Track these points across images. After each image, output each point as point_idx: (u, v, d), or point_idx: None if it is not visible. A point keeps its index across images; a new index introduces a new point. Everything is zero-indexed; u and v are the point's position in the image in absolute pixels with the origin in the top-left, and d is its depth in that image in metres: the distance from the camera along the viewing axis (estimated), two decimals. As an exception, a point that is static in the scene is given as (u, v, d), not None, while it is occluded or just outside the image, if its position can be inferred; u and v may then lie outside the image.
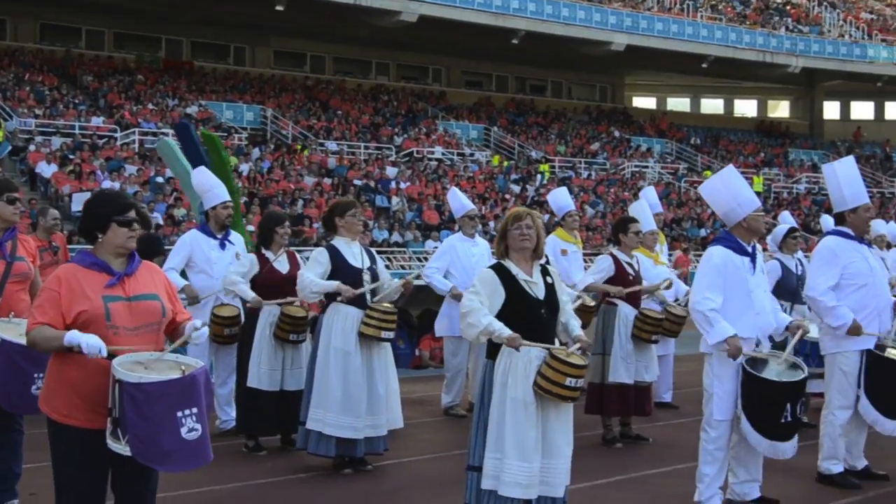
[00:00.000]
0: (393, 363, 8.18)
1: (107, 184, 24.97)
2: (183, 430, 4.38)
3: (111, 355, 4.43)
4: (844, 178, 7.68)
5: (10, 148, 26.59)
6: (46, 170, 25.49)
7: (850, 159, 7.97)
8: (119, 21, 35.44)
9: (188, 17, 34.99)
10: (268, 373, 8.42)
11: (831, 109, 53.57)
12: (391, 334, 7.90)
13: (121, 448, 4.38)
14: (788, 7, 47.79)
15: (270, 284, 8.52)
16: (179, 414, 4.37)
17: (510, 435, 5.75)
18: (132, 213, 4.69)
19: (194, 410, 4.41)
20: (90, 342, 4.37)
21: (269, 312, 8.48)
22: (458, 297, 9.82)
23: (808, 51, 43.46)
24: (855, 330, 7.36)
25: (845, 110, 54.01)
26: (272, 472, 7.93)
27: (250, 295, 8.46)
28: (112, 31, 36.22)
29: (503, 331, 5.71)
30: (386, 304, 7.93)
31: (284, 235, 8.75)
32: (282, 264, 8.64)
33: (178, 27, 36.42)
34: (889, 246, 14.15)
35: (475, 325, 5.75)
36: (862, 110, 53.83)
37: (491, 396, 5.87)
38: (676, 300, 9.99)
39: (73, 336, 4.40)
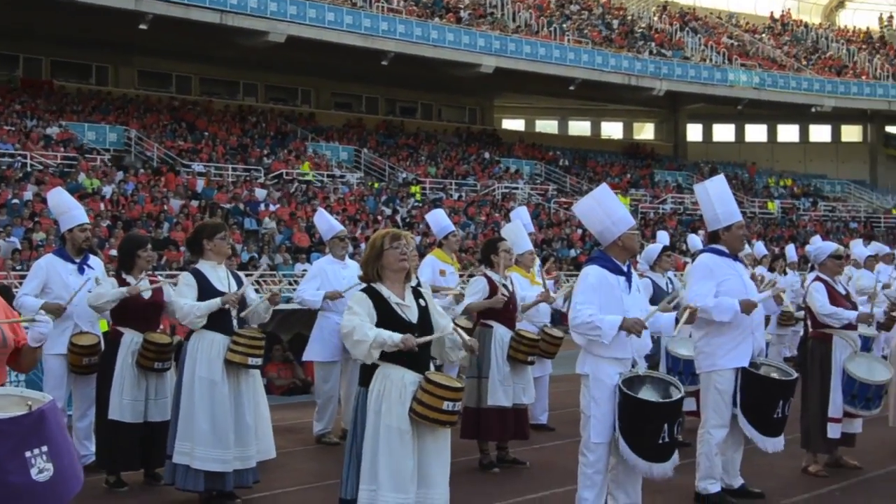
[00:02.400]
0: (262, 390, 7.91)
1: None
2: (33, 472, 4.02)
3: None
4: (717, 197, 7.70)
5: None
6: None
7: (721, 178, 7.99)
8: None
9: (47, 34, 33.92)
10: (130, 404, 8.04)
11: (694, 132, 54.84)
12: (259, 360, 7.63)
13: (-41, 493, 4.03)
14: (652, 31, 48.76)
15: (132, 310, 8.14)
16: (28, 454, 4.01)
17: (385, 465, 5.53)
18: None
19: (44, 449, 4.06)
20: None
21: (131, 340, 8.10)
22: (332, 297, 9.85)
23: (672, 74, 44.37)
24: (747, 307, 7.38)
25: (707, 132, 55.35)
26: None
27: (122, 290, 8.03)
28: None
29: (393, 336, 5.53)
30: (253, 330, 7.67)
31: (147, 259, 8.38)
32: (145, 290, 8.26)
33: (36, 45, 35.28)
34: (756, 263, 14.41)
35: (363, 339, 5.52)
36: (723, 133, 55.24)
37: (364, 425, 5.64)
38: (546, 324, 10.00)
39: None
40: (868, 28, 58.76)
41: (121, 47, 35.64)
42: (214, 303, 7.45)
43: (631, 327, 6.47)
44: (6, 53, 35.22)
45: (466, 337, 5.88)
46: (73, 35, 33.79)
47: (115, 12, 30.88)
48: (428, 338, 5.67)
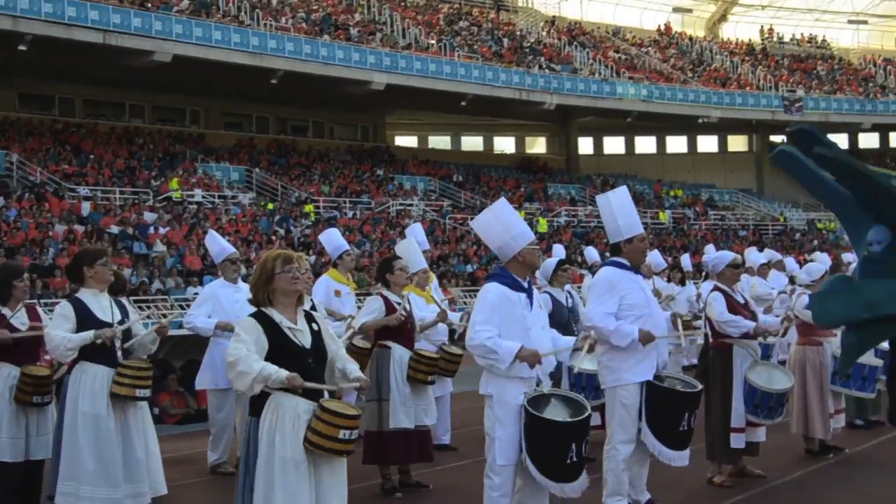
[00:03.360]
0: (151, 422, 7.58)
1: None
2: None
3: None
4: (619, 209, 7.61)
5: None
6: None
7: (623, 190, 7.89)
8: None
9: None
10: (9, 442, 7.68)
11: (585, 145, 55.46)
12: (147, 392, 7.32)
13: None
14: (541, 46, 49.17)
15: (9, 343, 7.76)
16: None
17: (280, 498, 5.32)
18: None
19: None
20: None
21: (8, 374, 7.72)
22: (225, 328, 9.46)
23: (562, 88, 44.80)
24: (646, 337, 7.30)
25: (598, 145, 56.04)
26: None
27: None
28: None
29: (280, 373, 5.30)
30: (139, 360, 7.36)
31: (23, 289, 8.01)
32: (19, 319, 7.88)
33: None
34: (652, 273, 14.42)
35: (247, 371, 5.29)
36: (613, 145, 55.96)
37: (256, 456, 5.40)
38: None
39: None
40: (750, 40, 60.19)
41: (2, 69, 34.71)
42: (87, 335, 7.11)
43: (527, 358, 6.41)
44: None
45: (359, 374, 5.71)
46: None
47: (-6, 34, 30.10)
48: (317, 385, 5.45)
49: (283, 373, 5.31)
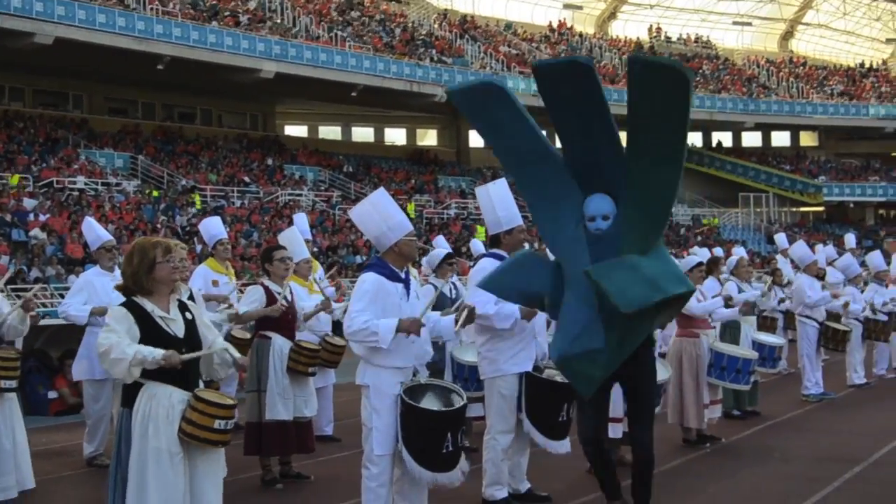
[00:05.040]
0: (20, 414, 7.40)
1: None
2: None
3: None
4: (498, 201, 7.67)
5: None
6: None
7: (503, 181, 7.93)
8: None
9: None
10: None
11: (476, 137, 55.51)
12: (13, 383, 7.17)
13: None
14: (433, 39, 49.24)
15: None
16: None
17: (154, 490, 5.25)
18: None
19: None
20: None
21: None
22: (100, 313, 9.33)
23: (453, 81, 44.80)
24: (528, 314, 7.39)
25: (489, 138, 56.24)
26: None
27: None
28: None
29: (155, 352, 5.24)
30: (7, 349, 7.20)
31: None
32: None
33: None
34: None
35: (122, 357, 5.21)
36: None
37: (129, 447, 5.32)
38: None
39: None
40: (639, 38, 61.12)
41: None
42: None
43: (408, 328, 6.39)
44: None
45: (237, 355, 5.65)
46: None
47: None
48: (193, 354, 5.41)
49: (159, 351, 5.24)
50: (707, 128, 56.40)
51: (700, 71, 57.11)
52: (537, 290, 6.68)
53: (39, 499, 7.85)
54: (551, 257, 6.88)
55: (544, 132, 6.71)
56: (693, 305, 10.28)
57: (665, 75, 5.71)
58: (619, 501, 7.18)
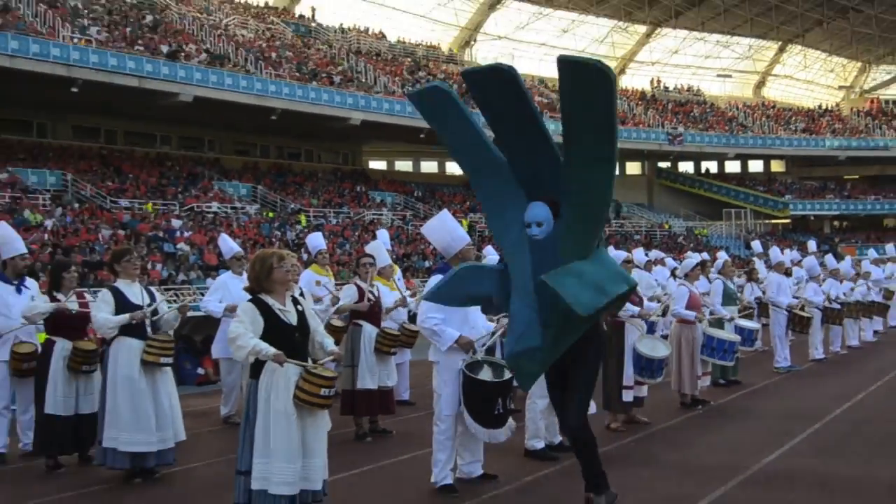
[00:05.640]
0: (174, 383, 7.54)
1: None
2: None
3: None
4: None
5: None
6: None
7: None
8: (-67, 102, 32.42)
9: (-5, 98, 32.39)
10: (63, 400, 7.67)
11: (516, 168, 55.49)
12: (170, 360, 7.31)
13: None
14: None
15: (62, 322, 7.73)
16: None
17: (276, 442, 5.33)
18: None
19: None
20: None
21: (62, 347, 7.70)
22: (232, 310, 9.28)
23: (498, 124, 44.84)
24: (465, 345, 7.19)
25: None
26: (72, 486, 7.16)
27: (51, 305, 7.68)
28: (-74, 111, 33.08)
29: (268, 349, 5.33)
30: (164, 335, 7.33)
31: (72, 279, 7.95)
32: (72, 304, 7.83)
33: (-14, 106, 33.66)
34: None
35: (244, 346, 5.32)
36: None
37: (256, 410, 5.42)
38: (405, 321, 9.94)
39: None
40: (642, 88, 60.60)
41: (57, 106, 34.19)
42: (124, 318, 7.12)
43: (463, 346, 6.52)
44: (-40, 114, 33.48)
45: (335, 350, 5.75)
46: (15, 96, 32.29)
47: (51, 78, 29.64)
48: (295, 362, 5.46)
49: (272, 350, 5.34)
50: (697, 158, 55.88)
51: (691, 114, 56.56)
52: (484, 294, 5.75)
53: (189, 447, 7.97)
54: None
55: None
56: (681, 312, 10.29)
57: (589, 73, 4.78)
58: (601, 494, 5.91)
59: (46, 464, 7.73)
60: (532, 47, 60.17)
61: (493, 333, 7.06)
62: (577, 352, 5.60)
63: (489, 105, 5.28)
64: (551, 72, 59.05)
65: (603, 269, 5.22)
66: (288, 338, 5.50)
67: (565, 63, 4.79)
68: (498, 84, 5.13)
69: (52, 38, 30.39)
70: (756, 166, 59.66)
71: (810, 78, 67.09)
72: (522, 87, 5.16)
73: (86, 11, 35.15)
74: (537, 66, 59.72)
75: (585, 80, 4.77)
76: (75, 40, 31.03)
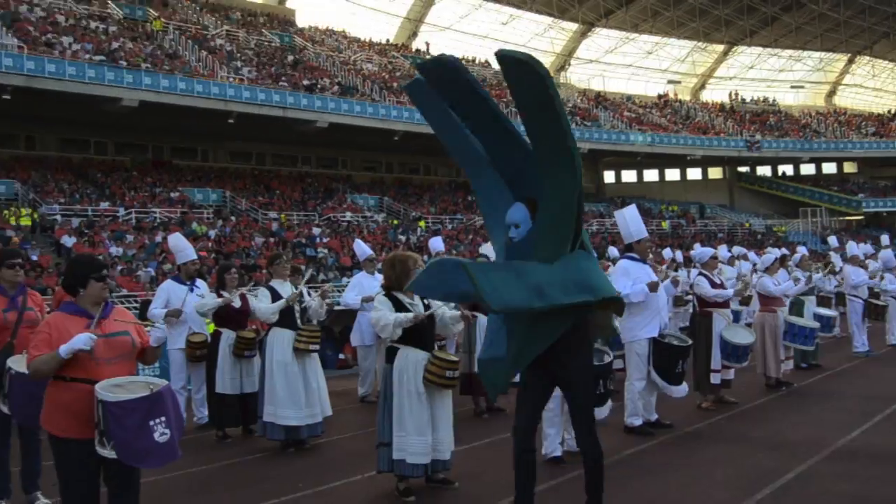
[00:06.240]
0: (320, 367, 7.70)
1: (112, 250, 23.85)
2: (155, 435, 3.83)
3: (93, 381, 3.88)
4: (630, 219, 7.55)
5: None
6: (68, 241, 24.21)
7: (633, 207, 7.82)
8: (118, 134, 34.07)
9: (167, 129, 33.84)
10: (230, 381, 7.93)
11: (609, 176, 54.71)
12: (317, 346, 7.46)
13: (107, 452, 3.83)
14: (576, 109, 48.68)
15: (227, 315, 8.00)
16: (151, 422, 3.82)
17: (409, 417, 5.39)
18: (105, 272, 4.14)
19: (163, 419, 3.86)
20: (82, 339, 3.86)
21: (228, 336, 7.96)
22: (367, 300, 9.46)
23: (592, 138, 44.29)
24: (653, 286, 7.26)
25: (617, 176, 55.24)
26: (238, 454, 7.39)
27: (218, 301, 7.94)
28: (113, 142, 34.77)
29: (408, 315, 5.46)
30: (313, 326, 7.50)
31: (233, 279, 8.23)
32: (235, 301, 8.10)
33: (160, 137, 35.18)
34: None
35: (387, 323, 5.46)
36: (628, 176, 55.13)
37: (391, 390, 5.49)
38: None
39: (66, 346, 3.86)
40: (722, 101, 58.80)
41: (216, 135, 35.49)
42: (281, 302, 7.34)
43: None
44: (140, 143, 35.09)
45: (463, 311, 5.81)
46: (184, 128, 33.68)
47: (212, 112, 30.82)
48: (430, 311, 5.62)
49: (410, 315, 5.46)
50: (774, 162, 53.85)
51: (768, 122, 54.55)
52: (463, 290, 4.23)
53: (333, 422, 8.12)
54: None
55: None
56: (772, 289, 9.91)
57: (521, 69, 3.98)
58: None
59: (216, 435, 8.01)
60: (620, 68, 59.20)
61: None
62: (563, 366, 4.58)
63: (452, 101, 4.49)
64: (637, 89, 57.99)
65: (562, 274, 4.20)
66: (417, 325, 5.55)
67: (500, 59, 4.06)
68: (447, 78, 4.31)
69: (212, 79, 31.56)
70: (829, 168, 57.08)
71: (879, 86, 63.73)
72: (471, 82, 4.35)
73: (238, 55, 36.37)
74: (625, 84, 58.76)
75: (520, 75, 4.06)
76: (230, 79, 32.14)
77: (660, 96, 58.03)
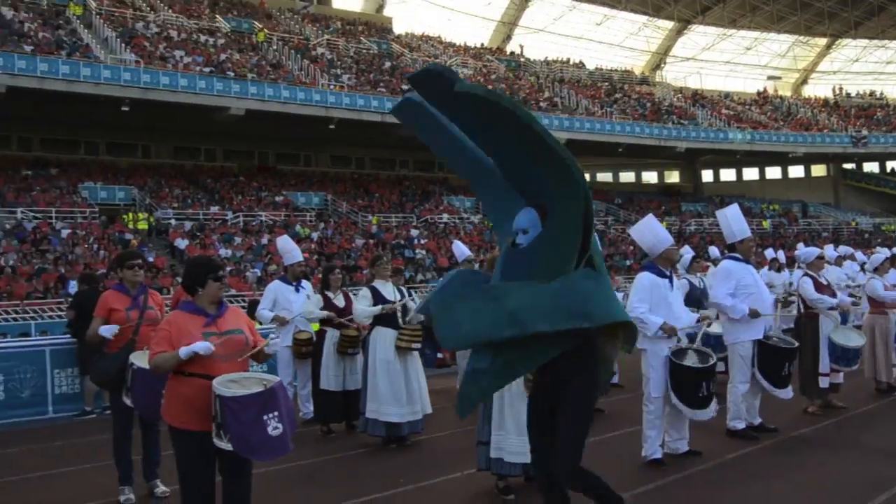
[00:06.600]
0: (421, 365, 7.77)
1: (222, 251, 24.69)
2: (269, 429, 3.97)
3: (211, 377, 4.04)
4: (732, 219, 7.33)
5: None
6: (181, 243, 25.24)
7: (735, 206, 7.58)
8: (226, 141, 35.33)
9: (271, 136, 34.87)
10: (334, 378, 8.07)
11: (707, 175, 53.32)
12: (419, 345, 7.53)
13: (224, 444, 3.98)
14: (673, 108, 47.61)
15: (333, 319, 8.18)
16: (265, 417, 3.96)
17: (510, 417, 5.37)
18: (222, 273, 4.30)
19: (276, 414, 4.00)
20: (201, 346, 4.03)
21: (332, 335, 8.12)
22: None
23: (689, 137, 43.25)
24: (754, 314, 6.99)
25: (716, 175, 53.76)
26: (341, 449, 7.52)
27: (323, 314, 8.13)
28: (222, 149, 36.09)
29: None
30: (414, 325, 7.56)
31: (337, 280, 8.39)
32: (339, 300, 8.27)
33: (265, 143, 36.33)
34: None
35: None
36: (727, 175, 53.57)
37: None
38: None
39: (186, 350, 4.03)
40: (825, 96, 56.45)
41: (318, 141, 36.36)
42: (376, 309, 7.41)
43: (667, 332, 6.25)
44: (247, 150, 36.29)
45: None
46: (287, 135, 34.62)
47: (314, 119, 31.55)
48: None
49: None
50: (882, 158, 51.26)
51: (875, 117, 51.99)
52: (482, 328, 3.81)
53: (434, 419, 8.18)
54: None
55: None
56: (881, 294, 9.45)
57: (486, 109, 3.58)
58: None
59: (321, 429, 8.16)
60: (717, 65, 57.58)
61: (698, 322, 6.77)
62: (560, 389, 4.18)
63: (450, 112, 4.00)
64: (736, 86, 56.29)
65: (551, 298, 3.76)
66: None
67: (463, 96, 3.57)
68: (435, 88, 3.77)
69: (314, 86, 32.32)
70: (942, 164, 54.11)
71: None
72: (456, 85, 3.74)
73: (338, 63, 37.14)
74: (723, 82, 57.13)
75: (487, 114, 3.66)
76: (331, 87, 32.83)
77: (759, 93, 56.15)
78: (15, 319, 19.29)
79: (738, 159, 47.64)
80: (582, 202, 3.82)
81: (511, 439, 5.33)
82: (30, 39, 28.06)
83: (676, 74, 56.17)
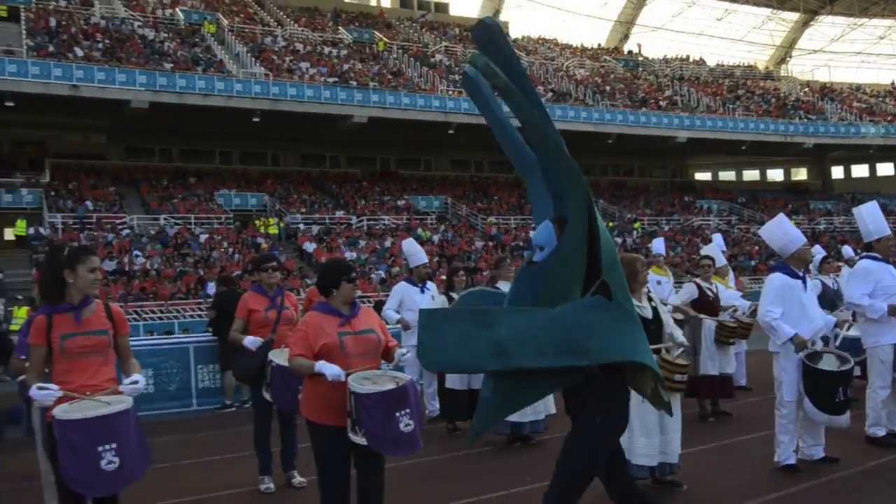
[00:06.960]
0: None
1: (347, 254, 25.37)
2: (401, 425, 4.07)
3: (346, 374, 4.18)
4: (869, 217, 6.94)
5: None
6: (309, 246, 26.09)
7: (874, 202, 7.16)
8: (350, 148, 36.30)
9: (393, 142, 35.57)
10: (459, 377, 8.10)
11: (837, 171, 50.63)
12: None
13: (358, 439, 4.10)
14: (800, 103, 45.50)
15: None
16: (397, 414, 4.06)
17: (636, 420, 5.27)
18: (354, 274, 4.44)
19: (407, 411, 4.09)
20: (333, 372, 4.13)
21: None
22: None
23: (817, 132, 41.22)
24: (893, 310, 6.58)
25: (847, 172, 50.96)
26: (465, 446, 7.59)
27: None
28: (346, 156, 37.09)
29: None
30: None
31: (461, 281, 8.47)
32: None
33: (387, 149, 37.08)
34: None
35: None
36: (859, 171, 50.69)
37: None
38: (742, 313, 9.29)
39: (321, 366, 4.16)
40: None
41: (438, 145, 36.81)
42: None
43: (798, 345, 5.93)
44: (369, 157, 37.15)
45: (684, 342, 5.55)
46: (408, 141, 35.21)
47: (433, 124, 31.95)
48: (658, 346, 5.32)
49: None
50: None
51: None
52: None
53: (556, 420, 8.10)
54: None
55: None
56: None
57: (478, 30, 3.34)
58: None
59: (446, 427, 8.25)
60: (847, 57, 54.57)
61: (836, 327, 6.45)
62: (574, 416, 3.92)
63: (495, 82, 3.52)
64: (868, 78, 53.22)
65: (547, 331, 3.39)
66: (645, 329, 5.39)
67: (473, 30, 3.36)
68: (487, 42, 3.44)
69: (433, 93, 32.73)
70: None
71: None
72: (507, 45, 3.49)
73: (456, 69, 37.50)
74: (854, 73, 54.07)
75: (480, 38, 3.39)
76: (450, 92, 33.17)
77: (894, 84, 52.81)
78: (160, 318, 20.49)
79: (872, 154, 44.99)
80: (584, 208, 3.47)
81: (638, 441, 5.25)
82: (169, 57, 29.71)
83: (803, 68, 53.73)
